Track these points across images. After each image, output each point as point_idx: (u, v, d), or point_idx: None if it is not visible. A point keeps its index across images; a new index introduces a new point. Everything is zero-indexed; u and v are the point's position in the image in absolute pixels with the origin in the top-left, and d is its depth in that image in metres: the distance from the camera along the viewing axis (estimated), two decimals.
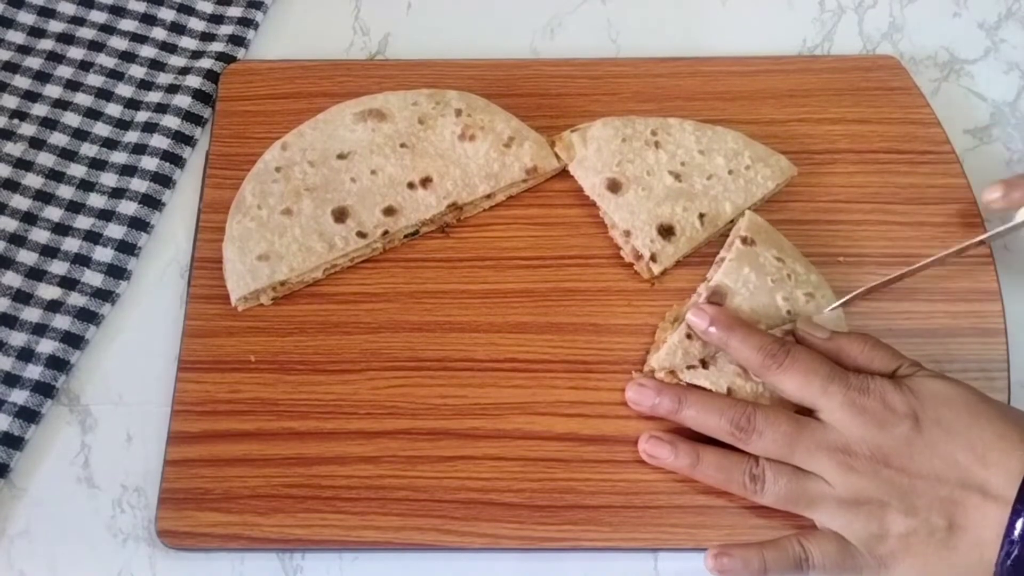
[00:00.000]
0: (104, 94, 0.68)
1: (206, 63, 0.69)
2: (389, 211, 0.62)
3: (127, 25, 0.71)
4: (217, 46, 0.70)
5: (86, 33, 0.70)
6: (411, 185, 0.63)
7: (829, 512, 0.52)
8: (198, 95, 0.68)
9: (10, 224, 0.63)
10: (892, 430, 0.51)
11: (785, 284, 0.58)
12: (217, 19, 0.72)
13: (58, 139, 0.66)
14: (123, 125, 0.67)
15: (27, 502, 0.57)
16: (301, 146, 0.64)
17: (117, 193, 0.65)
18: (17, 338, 0.60)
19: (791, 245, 0.61)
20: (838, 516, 0.51)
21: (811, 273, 0.59)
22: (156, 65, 0.70)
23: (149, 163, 0.65)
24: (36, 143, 0.66)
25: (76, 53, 0.70)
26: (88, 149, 0.66)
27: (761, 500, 0.53)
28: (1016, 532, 0.47)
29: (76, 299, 0.61)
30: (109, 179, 0.65)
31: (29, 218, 0.64)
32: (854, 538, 0.51)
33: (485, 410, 0.58)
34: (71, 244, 0.63)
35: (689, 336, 0.57)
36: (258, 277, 0.60)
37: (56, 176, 0.65)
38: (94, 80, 0.69)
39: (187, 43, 0.71)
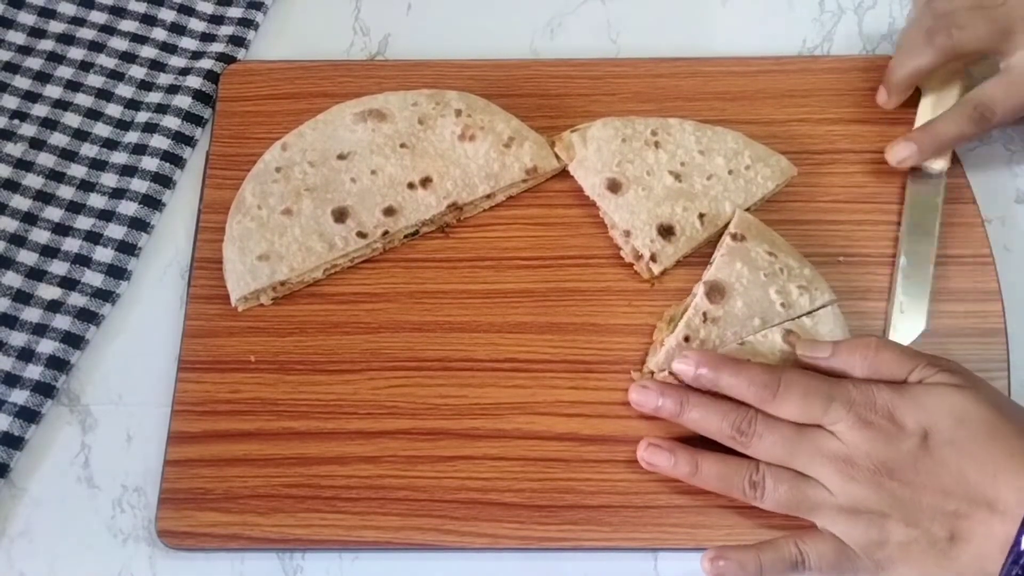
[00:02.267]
0: (104, 95, 0.68)
1: (206, 64, 0.69)
2: (389, 211, 0.62)
3: (127, 26, 0.71)
4: (217, 47, 0.70)
5: (86, 34, 0.70)
6: (411, 185, 0.63)
7: (829, 518, 0.51)
8: (198, 96, 0.68)
9: (10, 224, 0.63)
10: (898, 445, 0.50)
11: (778, 278, 0.58)
12: (217, 20, 0.72)
13: (58, 139, 0.66)
14: (123, 126, 0.67)
15: (27, 502, 0.57)
16: (301, 146, 0.64)
17: (117, 193, 0.65)
18: (17, 338, 0.60)
19: (784, 241, 0.61)
20: (838, 522, 0.51)
21: (804, 267, 0.59)
22: (156, 66, 0.70)
23: (149, 163, 0.65)
24: (36, 143, 0.66)
25: (76, 54, 0.70)
26: (88, 149, 0.66)
27: (762, 506, 0.53)
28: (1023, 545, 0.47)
29: (76, 299, 0.61)
30: (109, 179, 0.65)
31: (29, 218, 0.64)
32: (853, 543, 0.51)
33: (485, 410, 0.58)
34: (71, 244, 0.63)
35: (687, 339, 0.57)
36: (258, 277, 0.60)
37: (56, 176, 0.65)
38: (94, 81, 0.69)
39: (187, 44, 0.71)
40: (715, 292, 0.58)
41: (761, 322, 0.57)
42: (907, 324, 0.59)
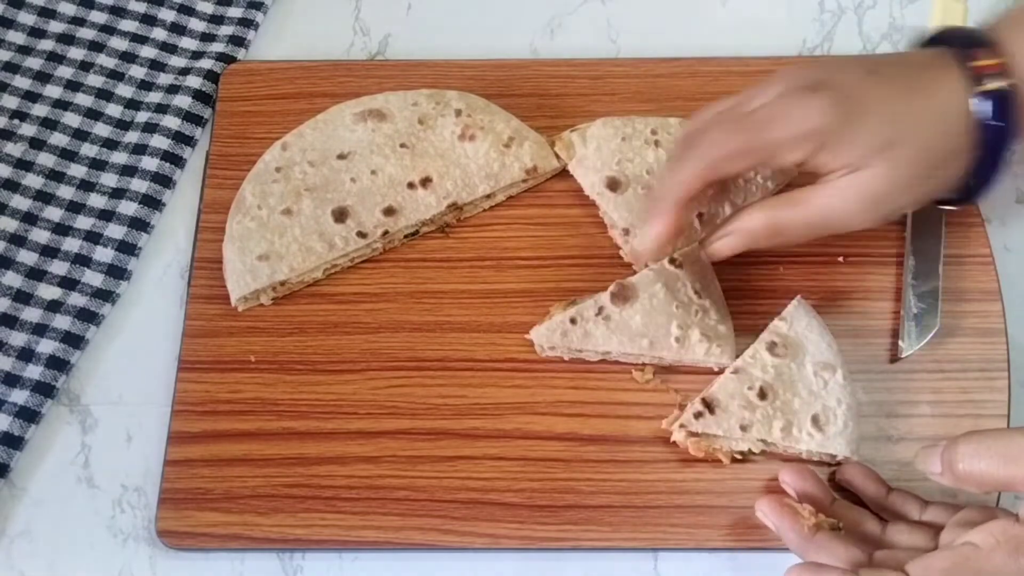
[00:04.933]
0: (104, 94, 0.68)
1: (206, 63, 0.69)
2: (389, 211, 0.62)
3: (127, 26, 0.71)
4: (217, 47, 0.70)
5: (86, 34, 0.70)
6: (411, 185, 0.63)
7: None
8: (198, 95, 0.68)
9: (10, 224, 0.63)
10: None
11: (688, 316, 0.57)
12: (217, 20, 0.72)
13: (58, 139, 0.66)
14: (123, 125, 0.67)
15: (27, 502, 0.57)
16: (301, 146, 0.64)
17: (117, 193, 0.65)
18: (17, 338, 0.60)
19: (720, 292, 0.59)
20: None
21: (723, 324, 0.58)
22: (156, 66, 0.70)
23: (149, 163, 0.65)
24: (36, 143, 0.66)
25: (76, 54, 0.70)
26: (88, 149, 0.66)
27: None
28: None
29: (76, 299, 0.61)
30: (109, 179, 0.65)
31: (29, 218, 0.64)
32: None
33: (485, 410, 0.58)
34: (71, 244, 0.63)
35: (573, 321, 0.57)
36: (258, 277, 0.60)
37: (56, 176, 0.65)
38: (94, 80, 0.69)
39: (187, 44, 0.71)
40: (621, 296, 0.57)
41: (650, 344, 0.57)
42: (920, 324, 0.59)
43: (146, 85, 0.69)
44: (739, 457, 0.56)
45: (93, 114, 0.67)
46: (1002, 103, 0.49)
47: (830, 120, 0.50)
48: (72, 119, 0.67)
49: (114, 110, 0.68)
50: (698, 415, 0.55)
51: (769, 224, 0.54)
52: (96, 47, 0.70)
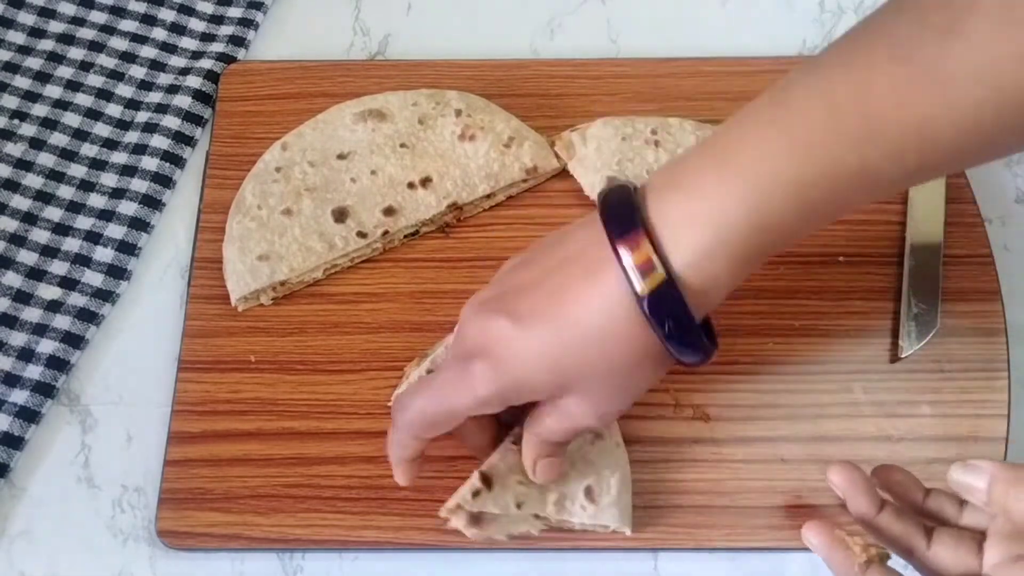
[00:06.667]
0: (104, 94, 0.68)
1: (206, 63, 0.69)
2: (389, 211, 0.62)
3: (127, 26, 0.71)
4: (217, 47, 0.70)
5: (86, 34, 0.70)
6: (411, 185, 0.63)
7: None
8: (198, 95, 0.68)
9: (10, 224, 0.63)
10: None
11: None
12: (217, 20, 0.72)
13: (58, 139, 0.66)
14: (123, 125, 0.67)
15: (27, 502, 0.57)
16: (301, 146, 0.64)
17: (117, 193, 0.65)
18: (17, 338, 0.60)
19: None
20: None
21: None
22: (156, 66, 0.70)
23: (149, 163, 0.65)
24: (36, 143, 0.66)
25: (76, 54, 0.70)
26: (88, 149, 0.66)
27: None
28: None
29: (76, 299, 0.61)
30: (109, 179, 0.65)
31: (29, 218, 0.64)
32: None
33: None
34: (71, 244, 0.63)
35: (430, 371, 0.55)
36: (258, 277, 0.60)
37: (56, 176, 0.65)
38: (94, 80, 0.69)
39: (187, 44, 0.71)
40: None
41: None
42: (920, 324, 0.59)
43: (146, 85, 0.69)
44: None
45: (93, 114, 0.67)
46: (659, 297, 0.44)
47: (494, 388, 0.47)
48: (72, 119, 0.67)
49: (114, 110, 0.68)
50: (476, 493, 0.50)
51: (541, 445, 0.50)
52: (96, 47, 0.70)
